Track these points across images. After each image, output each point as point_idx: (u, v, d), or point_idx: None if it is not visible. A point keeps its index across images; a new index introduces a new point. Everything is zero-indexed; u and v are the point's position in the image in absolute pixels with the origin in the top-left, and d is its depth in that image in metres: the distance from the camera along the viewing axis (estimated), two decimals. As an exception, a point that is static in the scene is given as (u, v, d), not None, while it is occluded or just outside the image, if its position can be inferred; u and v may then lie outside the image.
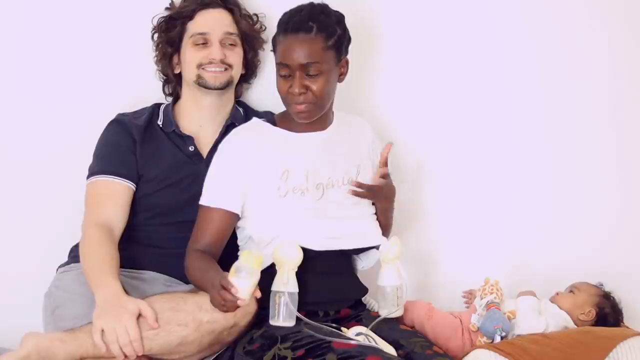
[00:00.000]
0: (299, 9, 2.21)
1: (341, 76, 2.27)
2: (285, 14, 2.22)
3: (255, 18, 2.50)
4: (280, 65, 2.18)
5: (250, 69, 2.52)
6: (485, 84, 2.72)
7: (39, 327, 2.26)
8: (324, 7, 2.23)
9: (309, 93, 2.17)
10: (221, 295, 1.99)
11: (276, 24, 2.25)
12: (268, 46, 2.49)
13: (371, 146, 2.41)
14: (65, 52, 2.55)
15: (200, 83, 2.38)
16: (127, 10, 2.55)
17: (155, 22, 2.46)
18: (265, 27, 2.52)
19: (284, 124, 2.30)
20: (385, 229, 2.41)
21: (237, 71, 2.42)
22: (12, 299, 2.51)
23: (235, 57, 2.41)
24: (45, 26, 2.55)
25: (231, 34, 2.40)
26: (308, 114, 2.21)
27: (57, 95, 2.56)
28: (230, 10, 2.42)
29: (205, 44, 2.37)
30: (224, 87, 2.39)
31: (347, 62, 2.26)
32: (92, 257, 2.19)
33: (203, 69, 2.37)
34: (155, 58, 2.48)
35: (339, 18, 2.23)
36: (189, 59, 2.39)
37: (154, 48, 2.47)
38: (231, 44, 2.40)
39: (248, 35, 2.46)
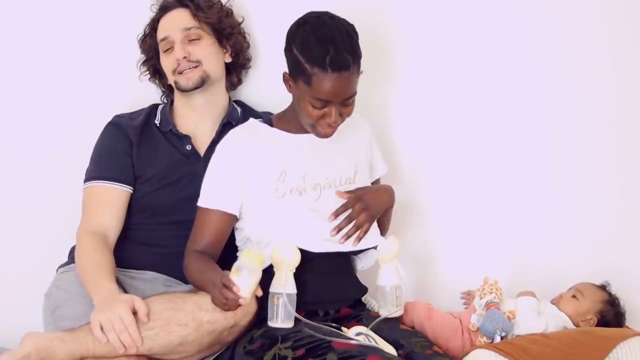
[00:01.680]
0: (332, 41, 2.11)
1: None
2: (314, 43, 2.11)
3: (219, 5, 2.47)
4: (317, 100, 2.12)
5: (237, 55, 2.50)
6: (486, 84, 2.72)
7: (39, 327, 2.27)
8: (349, 29, 2.16)
9: (342, 116, 2.17)
10: (223, 294, 1.99)
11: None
12: (258, 41, 2.49)
13: (368, 145, 2.40)
14: (63, 54, 2.55)
15: (178, 87, 2.39)
16: (126, 11, 2.55)
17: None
18: (231, 12, 2.49)
19: (281, 125, 2.30)
20: (385, 230, 2.41)
21: (210, 65, 2.40)
22: (12, 299, 2.52)
23: (201, 51, 2.38)
24: (43, 28, 2.55)
25: (189, 28, 2.39)
26: (333, 133, 2.20)
27: (56, 96, 2.56)
28: (186, 7, 2.41)
29: (171, 47, 2.38)
30: (199, 85, 2.38)
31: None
32: (88, 263, 2.20)
33: (178, 73, 2.37)
34: (148, 75, 2.51)
35: (356, 33, 2.18)
36: (164, 67, 2.42)
37: (142, 67, 2.51)
38: (195, 39, 2.39)
39: (213, 24, 2.42)
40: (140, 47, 2.49)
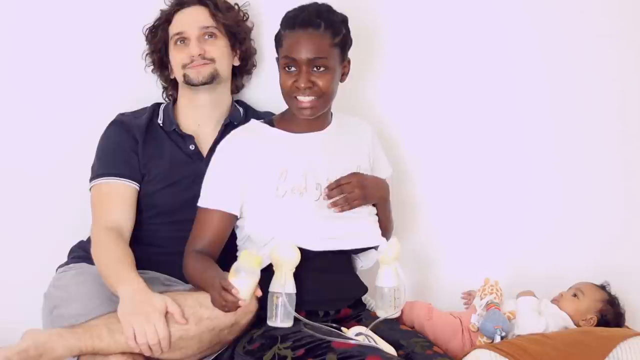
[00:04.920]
0: (305, 7, 2.22)
1: (343, 76, 2.28)
2: (289, 12, 2.23)
3: (236, 8, 2.50)
4: (286, 59, 2.19)
5: (245, 59, 2.52)
6: (485, 83, 2.72)
7: (40, 327, 2.25)
8: (329, 7, 2.24)
9: (314, 88, 2.18)
10: (222, 297, 2.00)
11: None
12: (264, 44, 2.50)
13: (371, 146, 2.40)
14: (63, 55, 2.55)
15: (187, 81, 2.39)
16: (125, 10, 2.55)
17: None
18: (248, 16, 2.52)
19: (282, 124, 2.30)
20: (386, 229, 2.40)
21: (222, 64, 2.41)
22: (12, 300, 2.51)
23: (216, 50, 2.40)
24: (45, 27, 2.54)
25: (207, 27, 2.40)
26: (312, 110, 2.21)
27: (56, 97, 2.56)
28: (206, 5, 2.42)
29: (184, 42, 2.39)
30: (209, 81, 2.38)
31: (349, 62, 2.28)
32: (108, 257, 2.20)
33: (188, 67, 2.38)
34: (152, 67, 2.50)
35: (344, 19, 2.25)
36: (174, 61, 2.41)
37: (147, 58, 2.50)
38: (210, 38, 2.40)
39: (229, 26, 2.44)
40: (148, 38, 2.48)
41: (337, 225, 2.22)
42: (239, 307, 2.01)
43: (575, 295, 2.44)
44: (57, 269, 2.38)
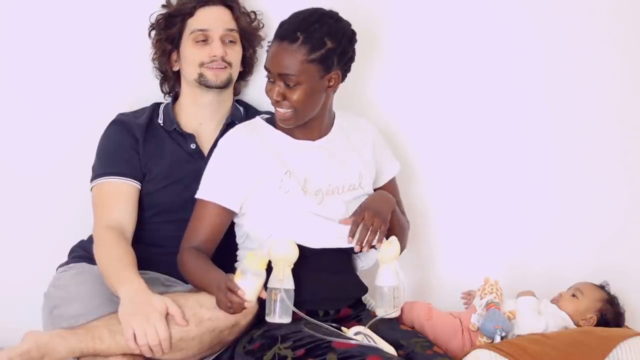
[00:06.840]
0: (295, 15, 2.20)
1: (329, 89, 2.23)
2: (286, 19, 2.21)
3: (253, 15, 2.51)
4: (265, 67, 2.20)
5: (247, 67, 2.53)
6: (484, 83, 2.72)
7: (40, 327, 2.26)
8: (321, 16, 2.19)
9: (286, 101, 2.18)
10: (228, 298, 2.00)
11: (274, 22, 2.26)
12: (264, 44, 2.51)
13: (375, 145, 2.40)
14: (63, 55, 2.54)
15: (202, 82, 2.38)
16: (124, 10, 2.54)
17: (153, 20, 2.46)
18: (264, 25, 2.53)
19: (283, 127, 2.30)
20: (402, 233, 2.38)
21: (235, 70, 2.43)
22: (13, 300, 2.51)
23: (235, 55, 2.42)
24: (43, 29, 2.54)
25: (232, 30, 2.41)
26: (287, 122, 2.21)
27: (56, 97, 2.55)
28: (230, 8, 2.43)
29: (205, 40, 2.38)
30: (224, 86, 2.39)
31: (338, 76, 2.22)
32: (109, 257, 2.20)
33: (206, 67, 2.37)
34: (154, 55, 2.48)
35: (336, 31, 2.18)
36: (190, 57, 2.39)
37: (152, 45, 2.47)
38: (231, 41, 2.41)
39: (247, 32, 2.47)
40: (161, 25, 2.44)
41: (336, 224, 2.22)
42: (245, 308, 2.02)
43: (574, 295, 2.44)
44: (57, 269, 2.38)
